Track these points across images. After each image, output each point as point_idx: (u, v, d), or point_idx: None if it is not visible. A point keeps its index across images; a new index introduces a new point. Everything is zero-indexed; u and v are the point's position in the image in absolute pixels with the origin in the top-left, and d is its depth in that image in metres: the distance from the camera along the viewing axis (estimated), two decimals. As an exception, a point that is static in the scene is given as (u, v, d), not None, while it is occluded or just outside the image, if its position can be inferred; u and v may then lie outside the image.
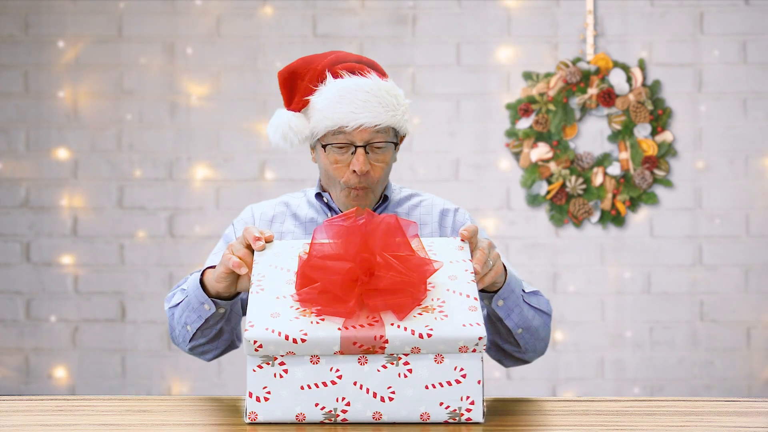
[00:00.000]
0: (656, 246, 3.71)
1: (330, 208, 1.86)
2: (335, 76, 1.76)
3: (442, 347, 1.28)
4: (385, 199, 1.87)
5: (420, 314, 1.31)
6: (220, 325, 1.68)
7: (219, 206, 3.75)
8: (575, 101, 3.70)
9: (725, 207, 3.70)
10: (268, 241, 1.46)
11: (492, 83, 3.73)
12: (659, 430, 1.27)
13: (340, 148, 1.76)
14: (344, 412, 1.29)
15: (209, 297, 1.62)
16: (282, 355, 1.29)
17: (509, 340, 1.71)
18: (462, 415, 1.30)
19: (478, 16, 3.73)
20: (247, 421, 1.31)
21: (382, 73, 1.81)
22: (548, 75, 3.70)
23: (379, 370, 1.29)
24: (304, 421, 1.30)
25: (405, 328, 1.28)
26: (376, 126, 1.75)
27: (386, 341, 1.28)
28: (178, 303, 1.71)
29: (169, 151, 3.76)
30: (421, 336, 1.28)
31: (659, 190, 3.71)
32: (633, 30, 3.72)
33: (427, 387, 1.29)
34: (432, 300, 1.33)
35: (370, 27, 3.75)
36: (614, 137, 3.69)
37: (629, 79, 3.69)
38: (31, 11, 3.77)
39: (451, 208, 1.92)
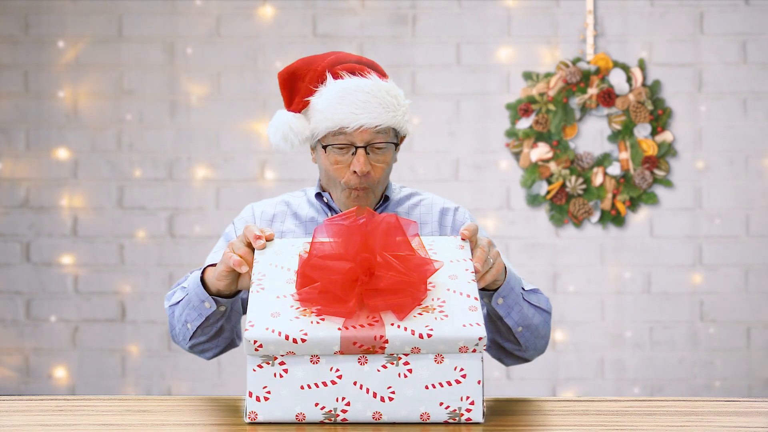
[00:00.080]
0: (656, 246, 3.71)
1: (330, 208, 1.86)
2: (335, 77, 1.76)
3: (442, 347, 1.28)
4: (385, 199, 1.87)
5: (420, 314, 1.31)
6: (220, 323, 1.69)
7: (219, 206, 3.75)
8: (575, 101, 3.70)
9: (725, 207, 3.70)
10: (269, 239, 1.46)
11: (492, 83, 3.73)
12: (659, 430, 1.27)
13: (341, 148, 1.77)
14: (344, 412, 1.29)
15: (210, 295, 1.62)
16: (282, 355, 1.29)
17: (509, 339, 1.72)
18: (462, 415, 1.30)
19: (478, 16, 3.73)
20: (247, 420, 1.31)
21: (382, 74, 1.81)
22: (548, 75, 3.70)
23: (379, 370, 1.29)
24: (304, 421, 1.30)
25: (405, 328, 1.28)
26: (376, 127, 1.75)
27: (386, 341, 1.28)
28: (179, 301, 1.71)
29: (169, 151, 3.76)
30: (421, 336, 1.28)
31: (659, 190, 3.71)
32: (633, 30, 3.72)
33: (427, 387, 1.29)
34: (432, 300, 1.33)
35: (370, 27, 3.75)
36: (614, 137, 3.69)
37: (629, 79, 3.69)
38: (31, 11, 3.77)
39: (450, 207, 1.92)
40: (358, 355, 1.29)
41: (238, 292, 1.63)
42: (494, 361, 3.48)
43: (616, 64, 3.69)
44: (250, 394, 1.30)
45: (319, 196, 1.88)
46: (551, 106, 3.69)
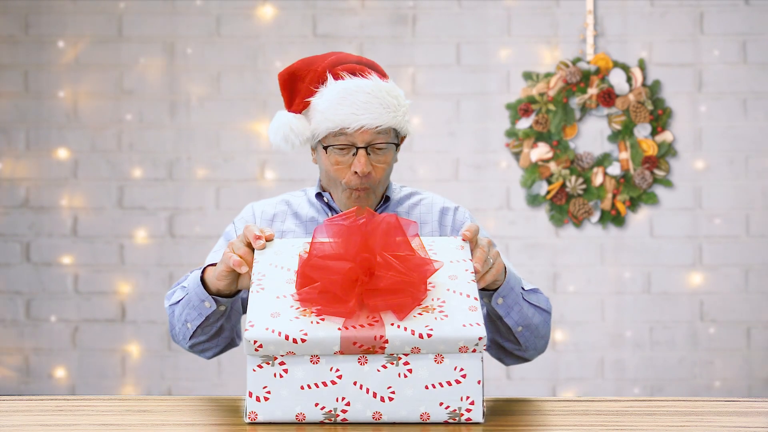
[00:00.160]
0: (656, 246, 3.71)
1: (330, 208, 1.86)
2: (336, 77, 1.76)
3: (442, 347, 1.28)
4: (386, 199, 1.87)
5: (420, 314, 1.31)
6: (220, 323, 1.69)
7: (219, 206, 3.75)
8: (575, 101, 3.70)
9: (725, 207, 3.70)
10: (269, 239, 1.46)
11: (492, 83, 3.73)
12: (659, 430, 1.28)
13: (342, 149, 1.77)
14: (344, 412, 1.29)
15: (210, 294, 1.62)
16: (282, 355, 1.29)
17: (509, 338, 1.72)
18: (462, 415, 1.30)
19: (478, 16, 3.73)
20: (247, 420, 1.31)
21: (382, 74, 1.81)
22: (548, 75, 3.70)
23: (379, 370, 1.29)
24: (304, 421, 1.30)
25: (405, 328, 1.28)
26: (377, 127, 1.75)
27: (386, 341, 1.28)
28: (179, 300, 1.71)
29: (169, 151, 3.76)
30: (421, 336, 1.28)
31: (659, 190, 3.71)
32: (633, 30, 3.72)
33: (427, 387, 1.29)
34: (432, 300, 1.33)
35: (370, 27, 3.75)
36: (614, 137, 3.69)
37: (629, 79, 3.69)
38: (31, 11, 3.77)
39: (450, 206, 1.92)
40: (358, 355, 1.29)
41: (238, 291, 1.63)
42: (494, 361, 3.48)
43: (616, 64, 3.69)
44: (250, 394, 1.30)
45: (319, 196, 1.88)
46: (551, 106, 3.69)
